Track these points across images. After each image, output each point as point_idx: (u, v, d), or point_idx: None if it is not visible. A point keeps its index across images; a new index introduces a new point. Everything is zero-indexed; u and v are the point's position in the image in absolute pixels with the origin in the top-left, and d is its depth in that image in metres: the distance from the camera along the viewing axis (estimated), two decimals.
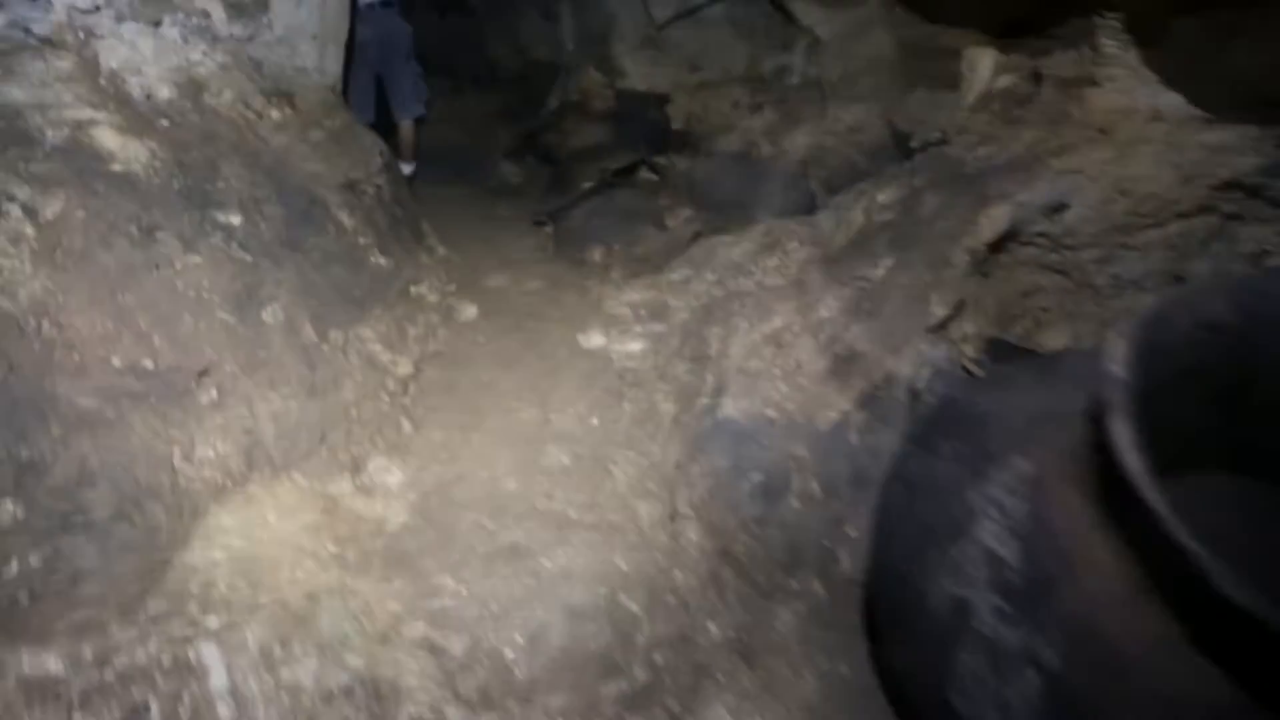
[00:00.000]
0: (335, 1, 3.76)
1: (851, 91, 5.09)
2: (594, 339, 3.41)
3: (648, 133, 6.16)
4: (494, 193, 5.78)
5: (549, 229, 4.74)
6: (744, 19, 6.28)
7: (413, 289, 3.38)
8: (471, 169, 5.82)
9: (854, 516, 2.02)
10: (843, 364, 2.29)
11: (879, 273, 2.55)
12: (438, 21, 9.20)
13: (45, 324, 1.91)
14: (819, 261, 3.27)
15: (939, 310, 2.27)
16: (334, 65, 3.91)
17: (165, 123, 2.71)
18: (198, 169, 2.66)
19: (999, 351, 2.30)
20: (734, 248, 3.92)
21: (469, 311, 3.61)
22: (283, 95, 3.35)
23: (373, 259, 3.24)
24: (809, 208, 4.57)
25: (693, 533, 2.07)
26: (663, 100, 6.40)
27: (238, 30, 3.24)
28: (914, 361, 2.22)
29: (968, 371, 2.19)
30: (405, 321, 3.17)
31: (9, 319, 1.82)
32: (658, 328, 3.43)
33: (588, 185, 5.30)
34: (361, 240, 3.21)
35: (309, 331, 2.57)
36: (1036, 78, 2.73)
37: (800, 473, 2.09)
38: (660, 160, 5.70)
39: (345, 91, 5.02)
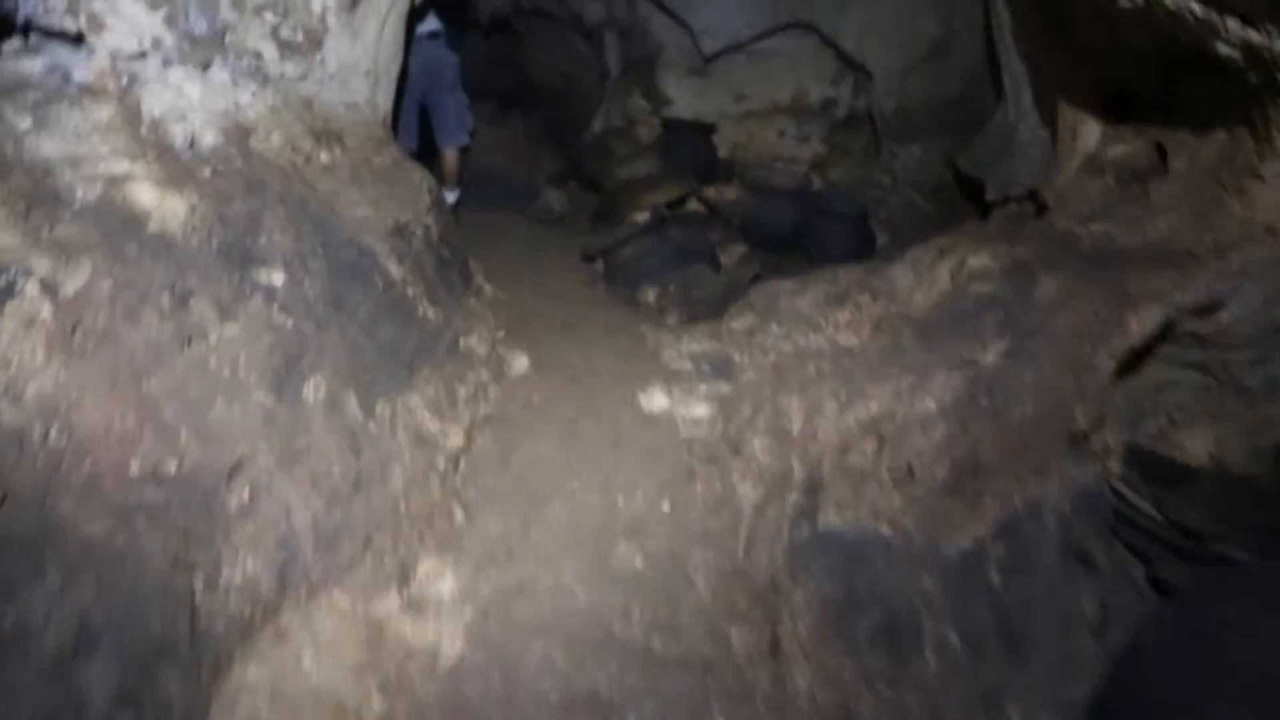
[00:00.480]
0: (391, 35, 3.36)
1: (907, 129, 4.65)
2: (656, 400, 2.99)
3: (695, 162, 5.73)
4: (539, 221, 5.37)
5: (599, 265, 4.33)
6: (792, 51, 5.84)
7: (462, 341, 2.98)
8: (516, 195, 5.42)
9: (1013, 690, 1.59)
10: (967, 476, 1.87)
11: (990, 359, 2.12)
12: (482, 41, 8.83)
13: (54, 431, 1.52)
14: (901, 325, 2.84)
15: (1081, 423, 1.84)
16: (385, 100, 3.51)
17: (208, 172, 2.32)
18: (240, 223, 2.27)
19: (1141, 462, 1.88)
20: (798, 296, 3.49)
21: (520, 363, 3.20)
22: (333, 134, 2.96)
23: (421, 310, 2.84)
24: (869, 250, 4.14)
25: (801, 679, 1.66)
26: (709, 130, 5.97)
27: (290, 69, 2.84)
28: (1060, 485, 1.80)
29: (1118, 496, 1.76)
30: (455, 381, 2.77)
31: (10, 433, 1.43)
32: (724, 388, 3.01)
33: (639, 221, 4.89)
34: (410, 291, 2.81)
35: (354, 408, 2.18)
36: (1160, 152, 2.28)
37: (932, 616, 1.68)
38: (710, 193, 5.28)
39: (393, 123, 4.66)
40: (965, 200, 4.43)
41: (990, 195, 3.17)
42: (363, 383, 2.28)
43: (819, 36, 5.36)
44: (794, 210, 4.30)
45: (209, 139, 2.40)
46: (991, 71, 3.77)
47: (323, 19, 2.93)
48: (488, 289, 3.82)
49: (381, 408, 2.29)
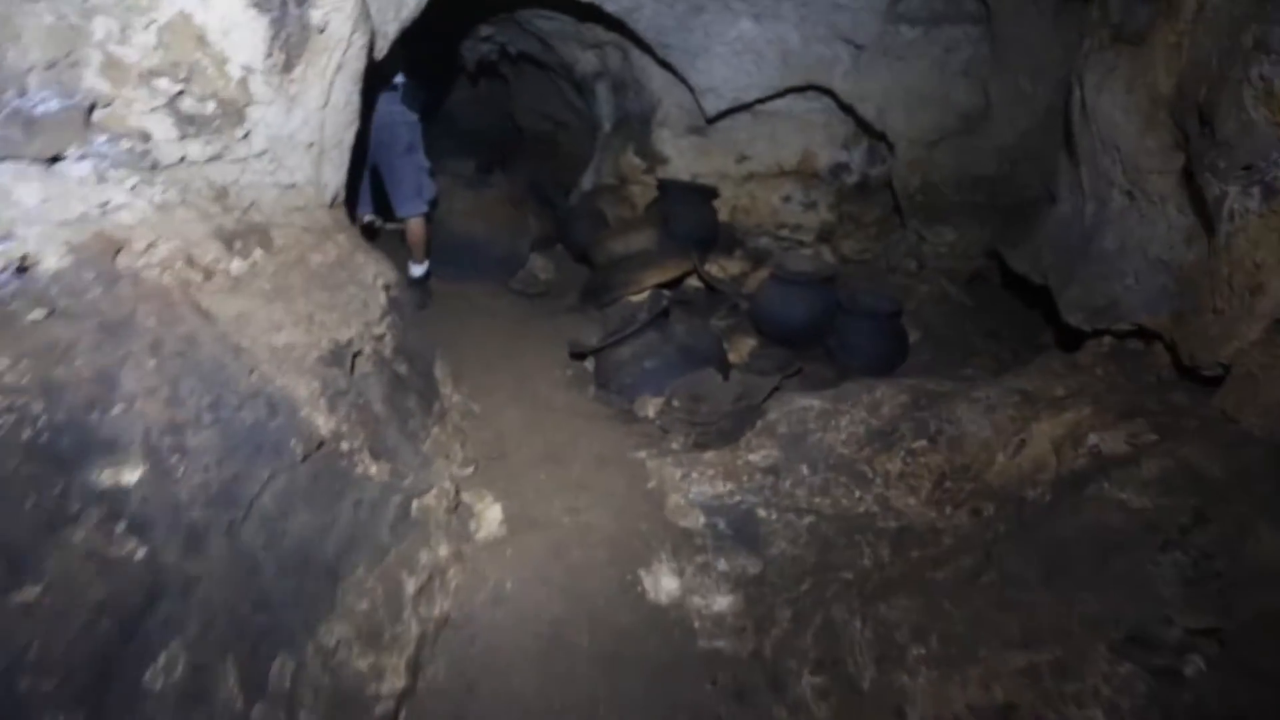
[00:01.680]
0: (341, 98, 2.61)
1: (935, 208, 3.97)
2: (663, 582, 2.23)
3: (694, 228, 5.01)
4: (522, 294, 4.61)
5: (589, 362, 3.58)
6: (800, 111, 5.17)
7: (416, 504, 2.20)
8: (497, 265, 4.66)
9: None
10: None
11: (1192, 670, 1.38)
12: (469, 88, 8.11)
13: None
14: (985, 500, 2.11)
15: None
16: (335, 176, 2.75)
17: (39, 314, 1.54)
18: (80, 392, 1.49)
19: None
20: (830, 427, 2.75)
21: (491, 518, 2.43)
22: (254, 232, 2.19)
23: (361, 469, 2.07)
24: (901, 354, 3.43)
25: None
26: (710, 194, 5.27)
27: (195, 150, 2.08)
28: None
29: None
30: (402, 570, 2.00)
31: None
32: (750, 565, 2.26)
33: (635, 301, 4.15)
34: (346, 446, 2.04)
35: (230, 687, 1.39)
36: None
37: None
38: (712, 268, 4.56)
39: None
40: (1012, 297, 3.75)
41: (1077, 321, 2.46)
42: (251, 635, 1.50)
43: (834, 100, 4.69)
44: (814, 301, 3.59)
45: (49, 262, 1.62)
46: (1066, 152, 3.08)
47: (244, 84, 2.17)
48: (457, 401, 3.05)
49: (280, 669, 1.51)
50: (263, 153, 2.30)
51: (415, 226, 4.11)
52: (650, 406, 3.22)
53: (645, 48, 5.01)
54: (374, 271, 2.75)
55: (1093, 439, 1.86)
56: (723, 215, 5.39)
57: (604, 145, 6.13)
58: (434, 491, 2.31)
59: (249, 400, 1.80)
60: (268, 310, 2.06)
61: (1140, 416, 1.83)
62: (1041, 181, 3.43)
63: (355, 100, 2.74)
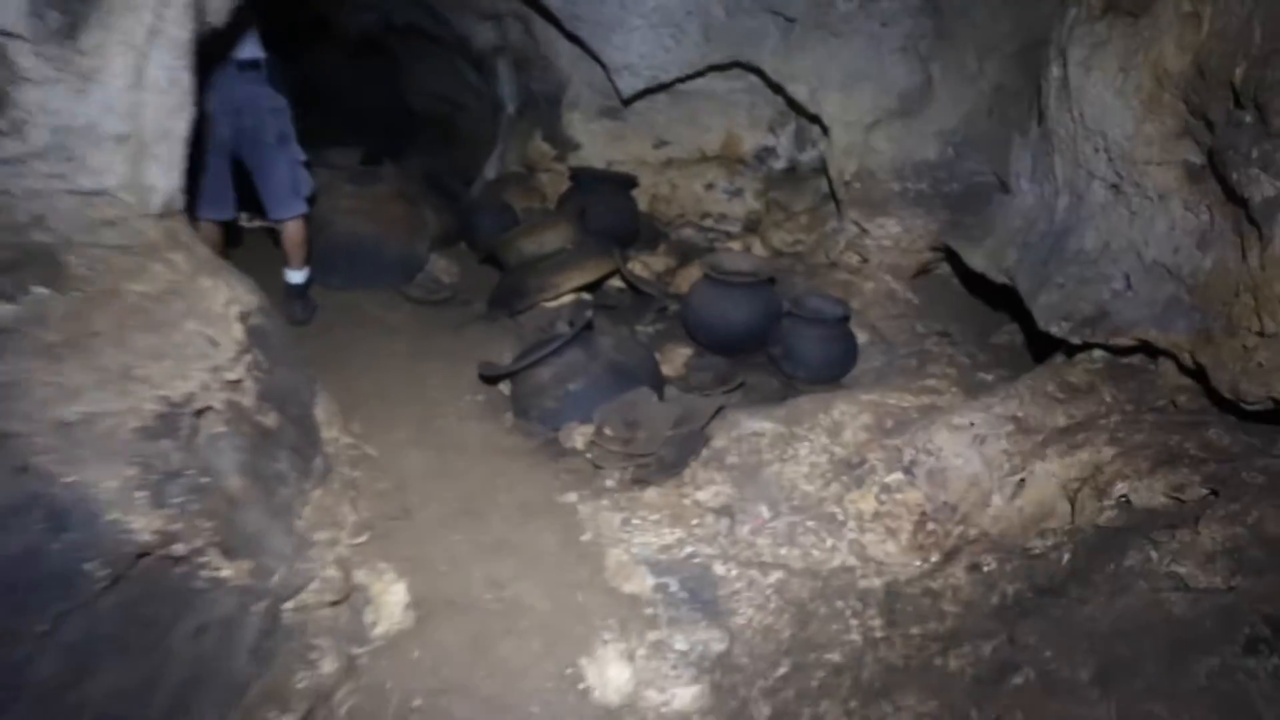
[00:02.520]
0: (163, 75, 2.01)
1: (874, 198, 3.65)
2: (611, 672, 1.80)
3: (613, 223, 4.55)
4: (422, 303, 4.05)
5: (505, 386, 3.09)
6: (722, 91, 4.77)
7: (289, 609, 1.69)
8: (392, 268, 4.07)
9: None
10: None
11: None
12: (347, 64, 7.33)
13: None
14: (984, 553, 1.77)
15: None
16: (164, 176, 2.15)
17: None
18: None
19: None
20: (786, 456, 2.38)
21: (393, 605, 1.93)
22: (34, 259, 1.61)
23: (204, 579, 1.54)
24: (851, 361, 3.09)
25: None
26: (629, 183, 4.81)
27: None
28: None
29: None
30: (270, 710, 1.49)
31: None
32: (714, 641, 1.85)
33: (552, 308, 3.67)
34: (180, 550, 1.51)
35: None
36: None
37: None
38: (637, 266, 4.12)
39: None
40: (959, 293, 3.47)
41: (1061, 332, 2.14)
42: None
43: (762, 79, 4.31)
44: (754, 305, 3.22)
45: None
46: (1028, 136, 2.78)
47: (5, 57, 1.58)
48: (346, 445, 2.51)
49: None
50: (45, 150, 1.71)
51: (293, 228, 3.49)
52: (578, 436, 2.76)
53: (551, 18, 4.49)
54: (226, 297, 2.18)
55: (1121, 488, 1.54)
56: (642, 205, 4.96)
57: (508, 130, 5.57)
58: (314, 585, 1.80)
59: (17, 514, 1.25)
60: (53, 371, 1.50)
61: (1181, 463, 1.53)
62: (991, 169, 3.16)
63: (184, 78, 2.14)
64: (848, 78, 3.79)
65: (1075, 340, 2.11)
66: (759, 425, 2.60)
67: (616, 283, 4.03)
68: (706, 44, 4.19)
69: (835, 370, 3.03)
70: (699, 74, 4.41)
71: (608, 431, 2.69)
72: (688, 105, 4.82)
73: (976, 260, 2.79)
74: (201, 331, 2.00)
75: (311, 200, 3.60)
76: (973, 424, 2.03)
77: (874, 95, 3.74)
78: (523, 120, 5.42)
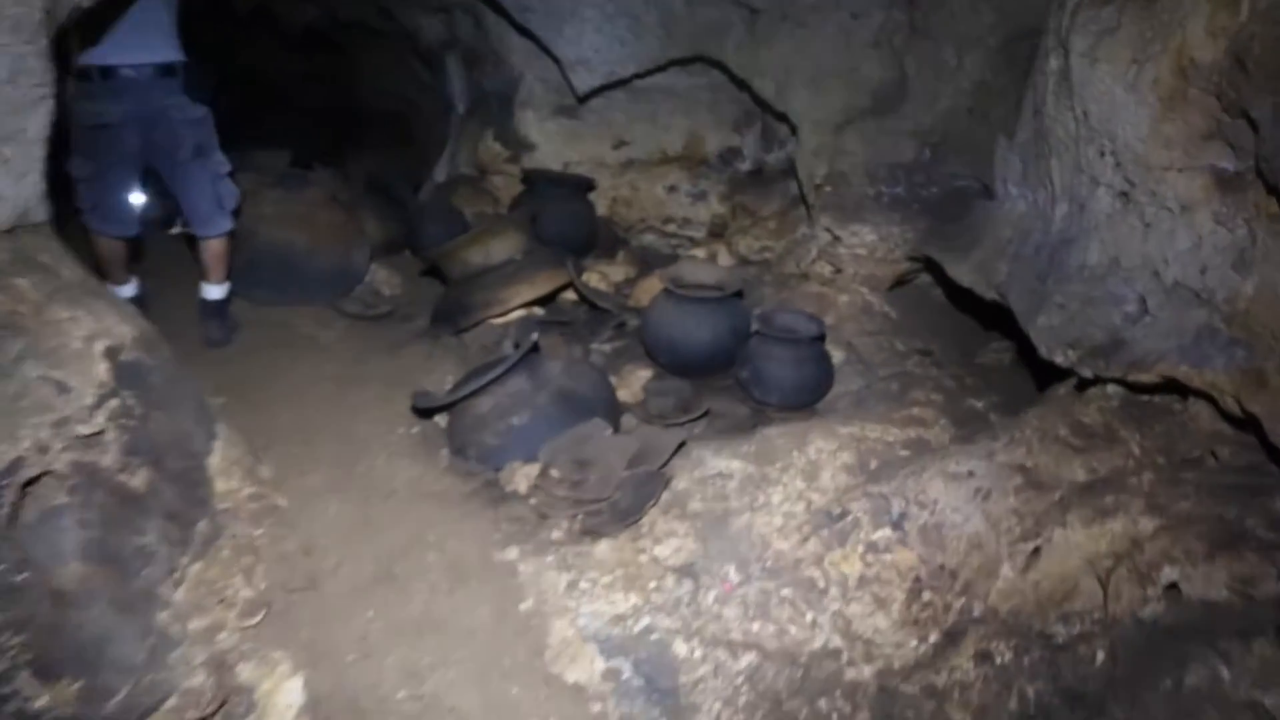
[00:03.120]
0: (8, 58, 1.63)
1: (847, 202, 3.34)
2: None
3: (569, 229, 4.20)
4: (359, 317, 3.66)
5: (442, 419, 2.72)
6: (684, 89, 4.44)
7: None
8: (321, 281, 3.67)
9: None
10: None
11: None
12: (292, 61, 6.88)
13: None
14: (985, 630, 1.46)
15: None
16: (16, 186, 1.76)
17: None
18: None
19: None
20: (757, 504, 2.05)
21: (283, 710, 1.57)
22: None
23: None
24: (827, 385, 2.78)
25: None
26: (586, 186, 4.46)
27: None
28: None
29: None
30: None
31: None
32: None
33: (504, 353, 3.31)
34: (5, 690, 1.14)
35: None
36: None
37: None
38: (594, 277, 3.77)
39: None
40: (940, 306, 3.18)
41: (1067, 362, 1.83)
42: None
43: (726, 75, 3.98)
44: (719, 322, 2.89)
45: None
46: (1019, 138, 2.48)
47: None
48: (248, 497, 2.13)
49: None
50: None
51: (216, 243, 3.10)
52: (521, 477, 2.41)
53: (501, 11, 4.11)
54: (88, 330, 1.80)
55: (1169, 573, 1.25)
56: (601, 209, 4.61)
57: (459, 130, 5.18)
58: (172, 701, 1.43)
59: None
60: None
61: (1246, 545, 1.23)
62: (973, 172, 2.87)
63: (35, 68, 1.76)
64: (816, 73, 3.48)
65: (1085, 373, 1.81)
66: (726, 465, 2.27)
67: (571, 295, 3.68)
68: (666, 36, 3.85)
69: (809, 395, 2.72)
70: (659, 69, 4.07)
71: (554, 473, 2.34)
72: (648, 103, 4.48)
73: (962, 274, 2.49)
74: (46, 376, 1.62)
75: (238, 212, 3.21)
76: (972, 473, 1.73)
77: (845, 92, 3.44)
78: (474, 120, 5.03)
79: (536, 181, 4.26)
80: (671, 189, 4.65)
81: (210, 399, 2.75)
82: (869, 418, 2.43)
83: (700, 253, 4.21)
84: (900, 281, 3.17)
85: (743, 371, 2.78)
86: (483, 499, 2.36)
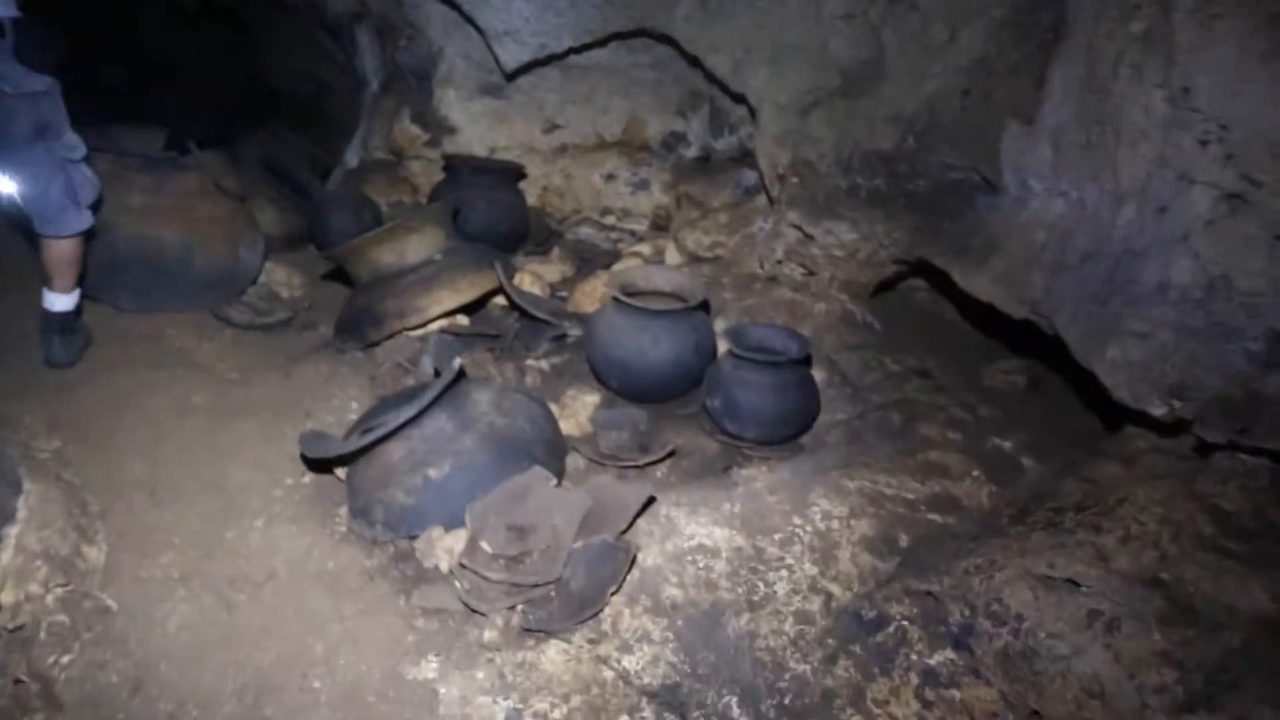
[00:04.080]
0: None
1: (817, 196, 2.81)
2: None
3: (496, 222, 3.54)
4: (250, 327, 2.93)
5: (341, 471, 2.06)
6: (623, 67, 3.82)
7: None
8: (203, 281, 2.91)
9: None
10: None
11: None
12: (189, 34, 5.90)
13: None
14: None
15: None
16: None
17: None
18: None
19: None
20: (756, 599, 1.51)
21: None
22: None
23: None
24: (814, 415, 2.25)
25: None
26: (516, 174, 3.80)
27: None
28: None
29: None
30: None
31: None
32: None
33: (412, 336, 2.64)
34: None
35: None
36: None
37: None
38: (525, 278, 3.13)
39: None
40: (927, 315, 2.69)
41: (1162, 414, 1.34)
42: None
43: (675, 50, 3.38)
44: (682, 339, 2.32)
45: None
46: (1059, 122, 1.98)
47: None
48: (50, 605, 1.44)
49: None
50: None
51: (65, 244, 2.34)
52: (442, 551, 1.79)
53: None
54: None
55: None
56: (531, 199, 3.97)
57: (372, 110, 4.42)
58: None
59: None
60: None
61: None
62: (969, 162, 2.39)
63: None
64: (779, 49, 2.92)
65: (1214, 439, 1.32)
66: (707, 533, 1.70)
67: (500, 300, 3.03)
68: (606, 5, 3.22)
69: (792, 428, 2.18)
70: (598, 43, 3.44)
71: (485, 545, 1.73)
72: (584, 82, 3.84)
73: (978, 286, 1.99)
74: None
75: (96, 206, 2.45)
76: (1076, 583, 1.21)
77: (812, 70, 2.89)
78: (388, 98, 4.28)
79: (459, 168, 3.58)
80: (610, 177, 4.05)
81: (33, 445, 2.02)
82: (875, 463, 1.91)
83: (645, 248, 3.62)
84: (882, 287, 2.66)
85: (713, 400, 2.21)
86: (391, 582, 1.73)
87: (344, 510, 1.93)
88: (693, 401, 2.42)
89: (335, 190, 3.98)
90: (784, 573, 1.51)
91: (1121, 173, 1.60)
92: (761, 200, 3.45)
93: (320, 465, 2.00)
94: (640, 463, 2.12)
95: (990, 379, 2.26)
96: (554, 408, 2.34)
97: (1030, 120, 2.05)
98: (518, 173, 3.77)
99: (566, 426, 2.32)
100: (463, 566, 1.70)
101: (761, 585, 1.50)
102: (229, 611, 1.55)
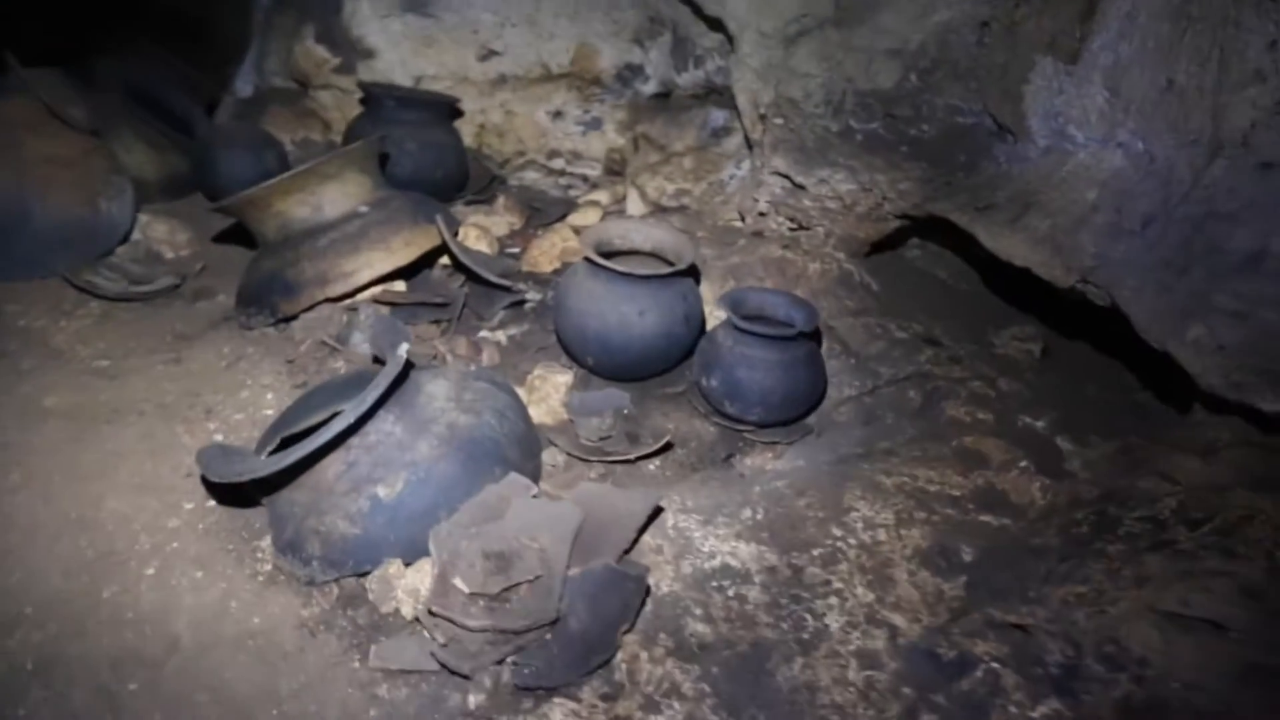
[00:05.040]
0: None
1: (807, 139, 2.49)
2: None
3: (429, 166, 3.04)
4: (120, 301, 2.39)
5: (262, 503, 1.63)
6: None
7: None
8: (48, 241, 2.34)
9: None
10: None
11: None
12: None
13: None
14: None
15: None
16: None
17: None
18: None
19: None
20: (807, 634, 1.22)
21: None
22: None
23: None
24: (820, 392, 1.97)
25: None
26: (449, 109, 3.30)
27: None
28: None
29: None
30: None
31: None
32: None
33: (339, 319, 2.18)
34: None
35: None
36: None
37: None
38: (471, 233, 2.68)
39: None
40: (923, 272, 2.44)
41: (1270, 405, 1.15)
42: None
43: None
44: (669, 307, 1.98)
45: None
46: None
47: None
48: None
49: None
50: None
51: None
52: (403, 593, 1.43)
53: None
54: None
55: None
56: (467, 140, 3.47)
57: (266, 25, 3.75)
58: None
59: None
60: None
61: None
62: (982, 104, 2.11)
63: None
64: None
65: None
66: (730, 549, 1.41)
67: (444, 260, 2.59)
68: None
69: (802, 408, 1.90)
70: None
71: (460, 583, 1.37)
72: (525, 1, 3.34)
73: (1012, 248, 1.74)
74: None
75: None
76: (1223, 627, 0.99)
77: None
78: (287, 15, 3.62)
79: (382, 101, 3.05)
80: (557, 115, 3.58)
81: None
82: (902, 450, 1.66)
83: (602, 196, 3.23)
84: (876, 246, 2.39)
85: (709, 379, 1.90)
86: (340, 637, 1.35)
87: (268, 542, 1.53)
88: (679, 379, 2.11)
89: (226, 125, 3.36)
90: (833, 600, 1.25)
91: (1222, 121, 1.35)
92: (731, 143, 3.11)
93: (229, 496, 1.57)
94: (632, 456, 1.80)
95: (1003, 347, 2.05)
96: (520, 392, 1.97)
97: (1073, 57, 1.78)
98: (452, 107, 3.27)
99: (537, 414, 1.96)
100: (433, 614, 1.35)
101: (809, 618, 1.23)
102: (114, 714, 1.15)
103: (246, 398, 1.96)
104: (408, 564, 1.46)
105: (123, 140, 2.84)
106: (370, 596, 1.43)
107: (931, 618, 1.22)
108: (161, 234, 2.71)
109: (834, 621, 1.25)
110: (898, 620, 1.23)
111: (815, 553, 1.37)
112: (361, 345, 2.12)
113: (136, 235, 2.64)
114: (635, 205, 3.07)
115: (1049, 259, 1.65)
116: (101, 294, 2.34)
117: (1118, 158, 1.60)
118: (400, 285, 2.36)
